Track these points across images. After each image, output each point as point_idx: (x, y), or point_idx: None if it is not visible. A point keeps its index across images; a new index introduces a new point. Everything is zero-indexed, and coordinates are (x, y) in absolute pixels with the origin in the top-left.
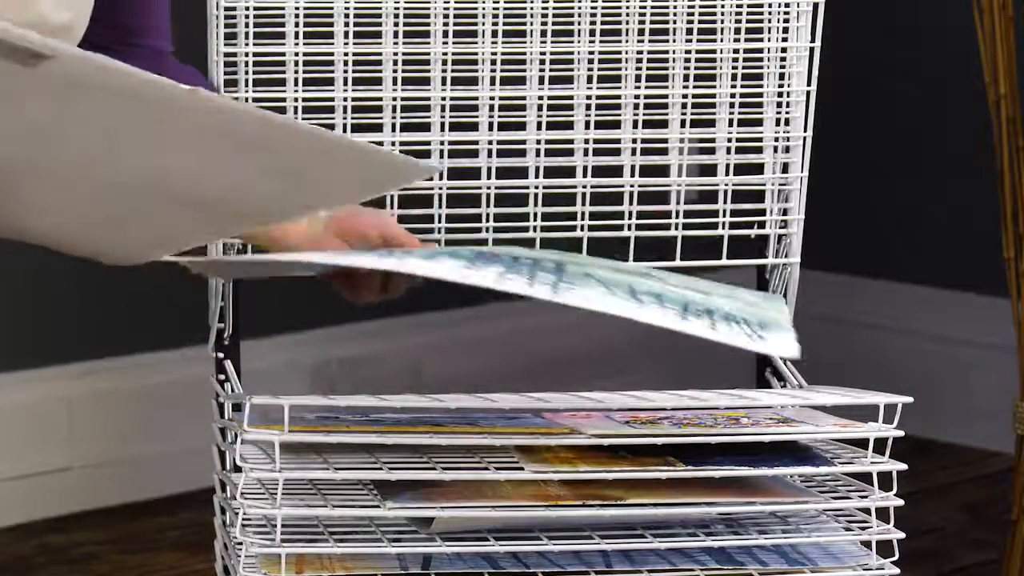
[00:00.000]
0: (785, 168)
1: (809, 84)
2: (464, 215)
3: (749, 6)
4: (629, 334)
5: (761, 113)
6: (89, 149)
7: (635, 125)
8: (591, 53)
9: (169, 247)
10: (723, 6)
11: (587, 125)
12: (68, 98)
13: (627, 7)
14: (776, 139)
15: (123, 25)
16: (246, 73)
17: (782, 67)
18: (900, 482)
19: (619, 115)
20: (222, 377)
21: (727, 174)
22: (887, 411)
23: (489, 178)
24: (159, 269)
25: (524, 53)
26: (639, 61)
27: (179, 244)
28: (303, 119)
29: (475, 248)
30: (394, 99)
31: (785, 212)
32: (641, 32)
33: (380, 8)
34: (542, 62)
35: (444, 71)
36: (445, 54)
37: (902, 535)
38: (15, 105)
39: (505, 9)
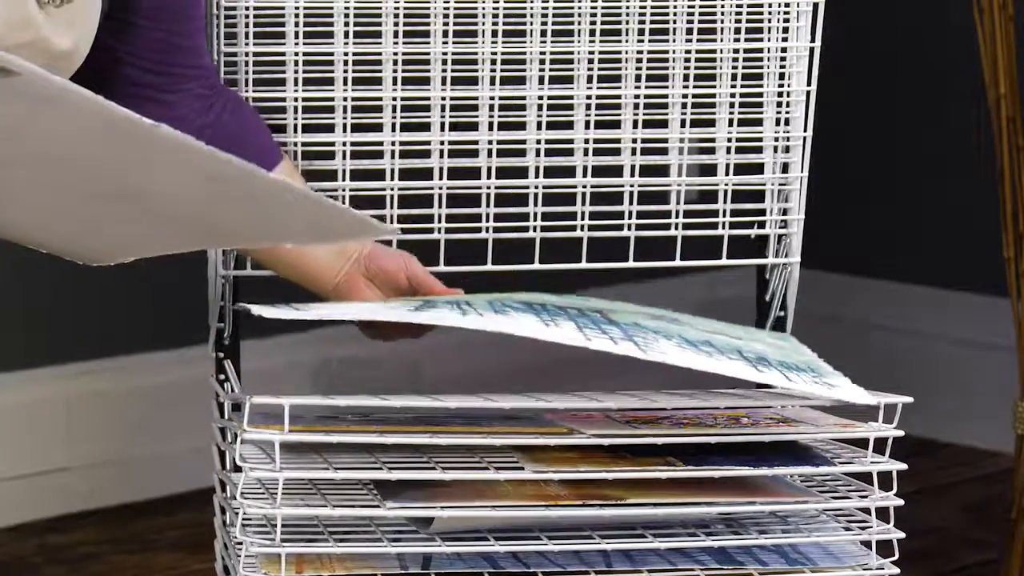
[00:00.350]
0: (785, 168)
1: (809, 84)
2: (464, 215)
3: (749, 6)
4: None
5: (761, 113)
6: (60, 156)
7: (635, 125)
8: (591, 53)
9: (144, 251)
10: (723, 6)
11: (587, 125)
12: (36, 110)
13: (627, 7)
14: (776, 139)
15: (184, 48)
16: (246, 73)
17: (782, 67)
18: (900, 482)
19: (619, 115)
20: (222, 377)
21: (727, 174)
22: (887, 411)
23: (489, 178)
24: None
25: (524, 53)
26: (639, 61)
27: (154, 250)
28: (303, 119)
29: (520, 296)
30: (394, 99)
31: (785, 212)
32: (641, 32)
33: (380, 8)
34: (542, 62)
35: (444, 71)
36: (445, 54)
37: (902, 535)
38: None
39: (505, 9)
